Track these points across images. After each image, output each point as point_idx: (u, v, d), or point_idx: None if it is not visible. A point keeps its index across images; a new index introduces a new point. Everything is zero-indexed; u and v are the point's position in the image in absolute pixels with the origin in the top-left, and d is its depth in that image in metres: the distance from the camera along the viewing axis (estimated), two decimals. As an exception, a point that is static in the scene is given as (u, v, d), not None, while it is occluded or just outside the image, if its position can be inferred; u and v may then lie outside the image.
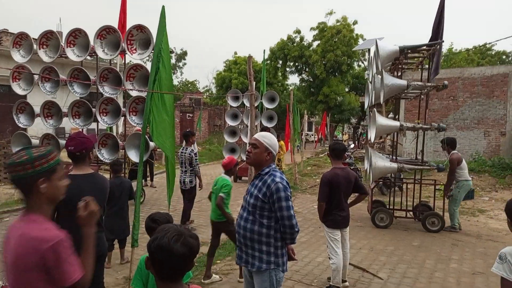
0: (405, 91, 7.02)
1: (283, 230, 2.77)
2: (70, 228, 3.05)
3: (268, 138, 2.89)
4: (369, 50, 12.79)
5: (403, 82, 7.05)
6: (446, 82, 6.96)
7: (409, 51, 7.27)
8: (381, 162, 7.20)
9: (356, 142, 30.57)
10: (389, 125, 7.25)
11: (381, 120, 7.28)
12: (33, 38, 7.29)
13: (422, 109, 8.07)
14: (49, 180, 1.80)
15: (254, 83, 6.08)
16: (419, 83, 7.15)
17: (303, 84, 29.38)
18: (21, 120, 7.37)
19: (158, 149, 10.89)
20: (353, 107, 28.30)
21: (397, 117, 8.98)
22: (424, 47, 7.22)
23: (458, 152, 7.38)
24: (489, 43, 26.73)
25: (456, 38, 68.16)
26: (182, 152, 7.16)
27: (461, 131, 15.11)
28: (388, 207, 7.89)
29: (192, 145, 7.60)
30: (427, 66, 7.68)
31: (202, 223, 7.54)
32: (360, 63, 29.58)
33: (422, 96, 7.88)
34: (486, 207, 9.42)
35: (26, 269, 1.68)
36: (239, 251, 2.92)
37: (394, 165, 7.09)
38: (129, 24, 7.78)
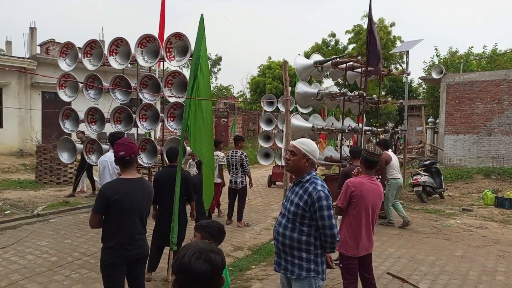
0: (317, 98, 8.22)
1: (324, 239, 2.74)
2: (118, 228, 3.19)
3: (307, 145, 2.84)
4: (407, 52, 12.50)
5: (313, 90, 8.22)
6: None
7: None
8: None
9: (393, 147, 29.69)
10: (302, 125, 7.67)
11: (295, 121, 8.04)
12: (78, 47, 7.65)
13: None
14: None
15: (289, 88, 6.06)
16: (326, 91, 8.45)
17: (338, 88, 28.97)
18: (67, 126, 7.73)
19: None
20: (390, 111, 27.51)
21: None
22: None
23: (387, 152, 7.75)
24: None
25: (501, 38, 65.04)
26: (232, 155, 7.57)
27: (506, 136, 14.35)
28: None
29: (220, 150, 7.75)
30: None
31: (253, 220, 8.04)
32: (398, 65, 28.81)
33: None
34: (535, 217, 8.88)
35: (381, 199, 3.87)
36: (277, 258, 2.90)
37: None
38: (167, 31, 8.03)
